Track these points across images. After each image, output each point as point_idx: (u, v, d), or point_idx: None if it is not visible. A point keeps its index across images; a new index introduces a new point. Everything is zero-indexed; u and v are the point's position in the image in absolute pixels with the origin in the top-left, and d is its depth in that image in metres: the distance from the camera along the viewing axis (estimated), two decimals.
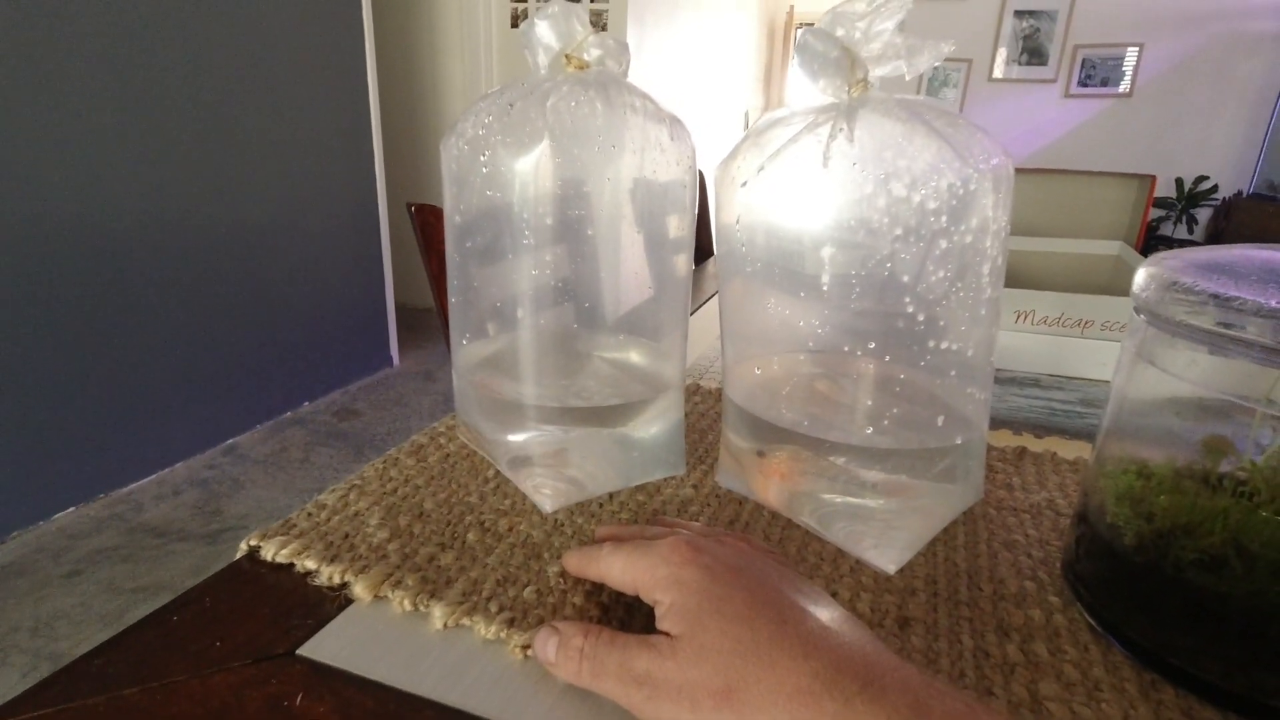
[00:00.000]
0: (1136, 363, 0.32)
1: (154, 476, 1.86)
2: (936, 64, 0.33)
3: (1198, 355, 0.29)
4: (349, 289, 2.43)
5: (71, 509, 1.70)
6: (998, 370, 0.67)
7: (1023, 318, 0.71)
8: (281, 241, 2.13)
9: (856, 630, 0.25)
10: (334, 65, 2.22)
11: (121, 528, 1.65)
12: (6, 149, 1.47)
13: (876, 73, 0.33)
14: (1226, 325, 0.27)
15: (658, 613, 0.26)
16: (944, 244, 0.30)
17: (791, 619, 0.24)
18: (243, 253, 2.01)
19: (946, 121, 0.31)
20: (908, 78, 0.33)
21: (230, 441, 2.06)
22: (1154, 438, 0.34)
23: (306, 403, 2.32)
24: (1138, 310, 0.32)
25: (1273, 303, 0.26)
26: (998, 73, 3.47)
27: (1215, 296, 0.28)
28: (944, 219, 0.30)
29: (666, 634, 0.25)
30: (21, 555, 1.54)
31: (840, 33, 0.33)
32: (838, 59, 0.32)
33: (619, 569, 0.29)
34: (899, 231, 0.30)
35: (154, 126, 1.74)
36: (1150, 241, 3.22)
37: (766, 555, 0.30)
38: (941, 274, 0.31)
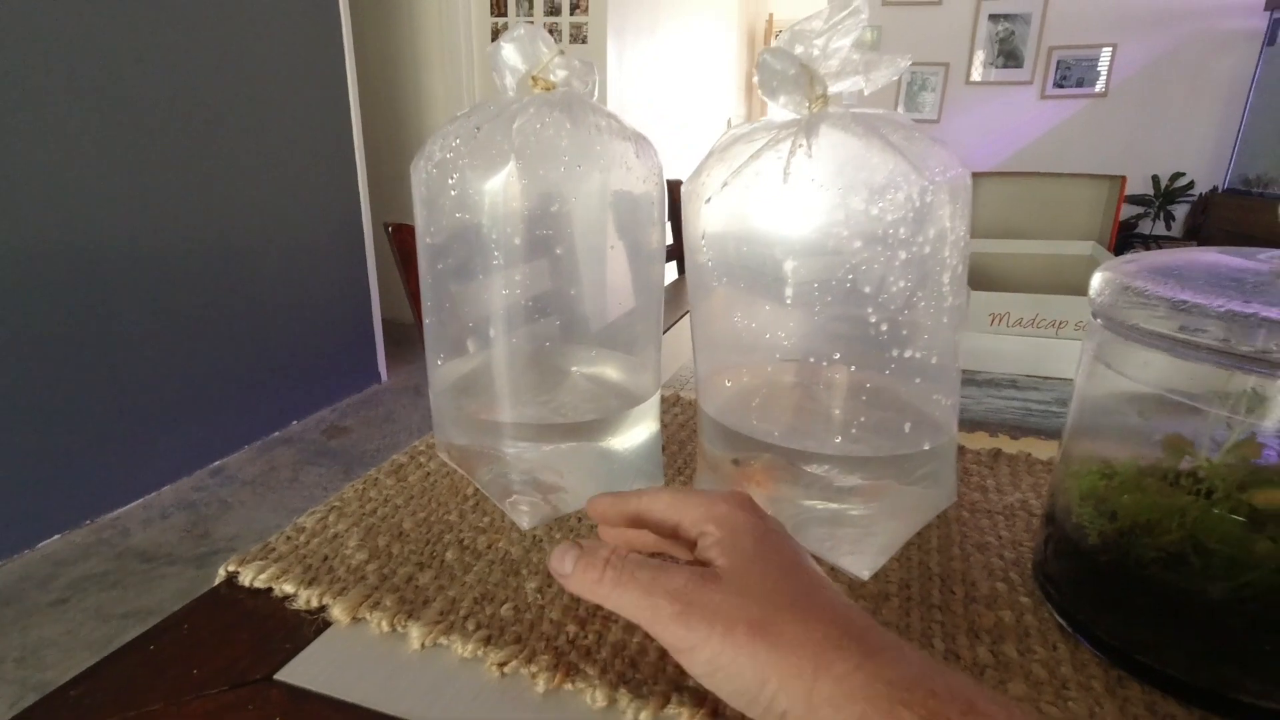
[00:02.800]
0: (1095, 365, 0.33)
1: (141, 500, 1.85)
2: (895, 77, 0.34)
3: (1152, 357, 0.30)
4: (335, 306, 2.43)
5: (57, 536, 1.68)
6: (975, 372, 0.68)
7: (998, 319, 0.72)
8: (266, 260, 2.13)
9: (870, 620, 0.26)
10: (315, 82, 2.23)
11: (109, 553, 1.63)
12: None
13: (835, 88, 0.34)
14: (1178, 328, 0.28)
15: (702, 544, 0.27)
16: (904, 255, 0.31)
17: (823, 586, 0.25)
18: (227, 272, 2.01)
19: (903, 135, 0.32)
20: (866, 92, 0.34)
21: (218, 463, 2.05)
22: (1116, 437, 0.35)
23: (295, 421, 2.31)
24: (1095, 314, 0.33)
25: (1219, 305, 0.27)
26: (975, 75, 3.51)
27: (1166, 300, 0.29)
28: (903, 230, 0.31)
29: (706, 564, 0.26)
30: (7, 584, 1.52)
31: (799, 50, 0.34)
32: (796, 76, 0.32)
33: (665, 502, 0.29)
34: (859, 244, 0.31)
35: (135, 147, 1.74)
36: (1129, 239, 3.27)
37: None
38: (902, 284, 0.32)
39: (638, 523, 0.30)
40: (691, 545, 0.28)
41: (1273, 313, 0.26)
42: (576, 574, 0.27)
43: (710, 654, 0.23)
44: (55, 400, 1.64)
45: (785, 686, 0.22)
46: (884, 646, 0.23)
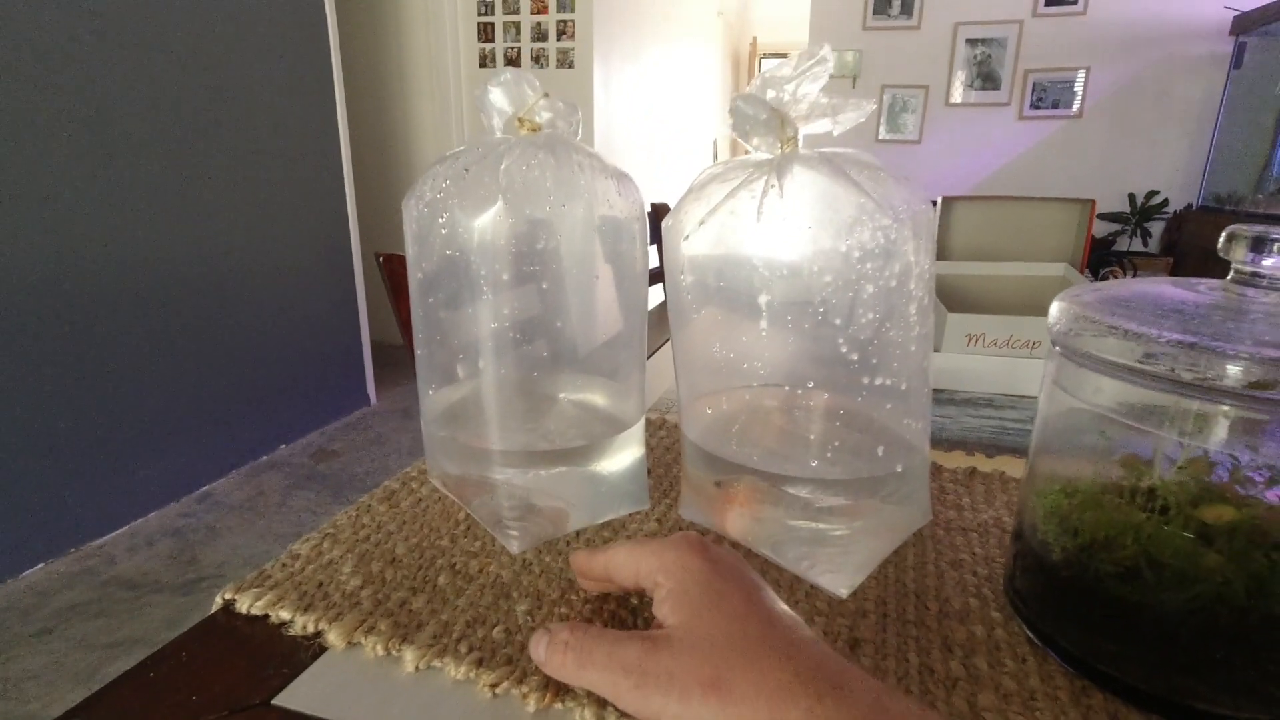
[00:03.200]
0: (1054, 389, 0.35)
1: (126, 528, 1.83)
2: (861, 119, 0.36)
3: (1104, 383, 0.32)
4: (324, 328, 2.43)
5: (40, 565, 1.66)
6: (952, 392, 0.70)
7: (973, 340, 0.74)
8: (254, 283, 2.13)
9: (826, 645, 0.27)
10: (304, 108, 2.25)
11: (93, 582, 1.62)
12: None
13: (805, 130, 0.36)
14: (1128, 357, 0.30)
15: (656, 597, 0.28)
16: (871, 288, 0.33)
17: (779, 623, 0.26)
18: (214, 295, 2.01)
19: (869, 175, 0.34)
20: (835, 134, 0.36)
21: (205, 488, 2.04)
22: (1077, 456, 0.36)
23: (283, 445, 2.31)
24: (1053, 342, 0.34)
25: (1165, 335, 0.29)
26: (955, 97, 3.60)
27: (1116, 329, 0.31)
28: (869, 265, 0.33)
29: (659, 627, 0.27)
30: None
31: (770, 95, 0.36)
32: (768, 120, 0.35)
33: (623, 556, 0.30)
34: (829, 278, 0.33)
35: (123, 170, 1.75)
36: (1106, 256, 3.33)
37: None
38: (871, 315, 0.33)
39: (608, 578, 0.32)
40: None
41: (1214, 343, 0.28)
42: (548, 661, 0.28)
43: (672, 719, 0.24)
44: (38, 425, 1.63)
45: None
46: (837, 685, 0.23)
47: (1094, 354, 0.31)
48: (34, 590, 1.58)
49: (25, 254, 1.57)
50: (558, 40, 2.98)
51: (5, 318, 1.55)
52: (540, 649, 0.29)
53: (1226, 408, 0.28)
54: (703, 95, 4.70)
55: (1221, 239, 0.32)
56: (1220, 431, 0.29)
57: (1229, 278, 0.32)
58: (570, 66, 3.01)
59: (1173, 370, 0.28)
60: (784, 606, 0.27)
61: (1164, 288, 0.33)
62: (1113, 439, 0.34)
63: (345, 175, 2.43)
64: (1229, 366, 0.27)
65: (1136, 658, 0.30)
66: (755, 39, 5.67)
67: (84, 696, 0.31)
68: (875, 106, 0.34)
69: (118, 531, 1.81)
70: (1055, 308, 0.34)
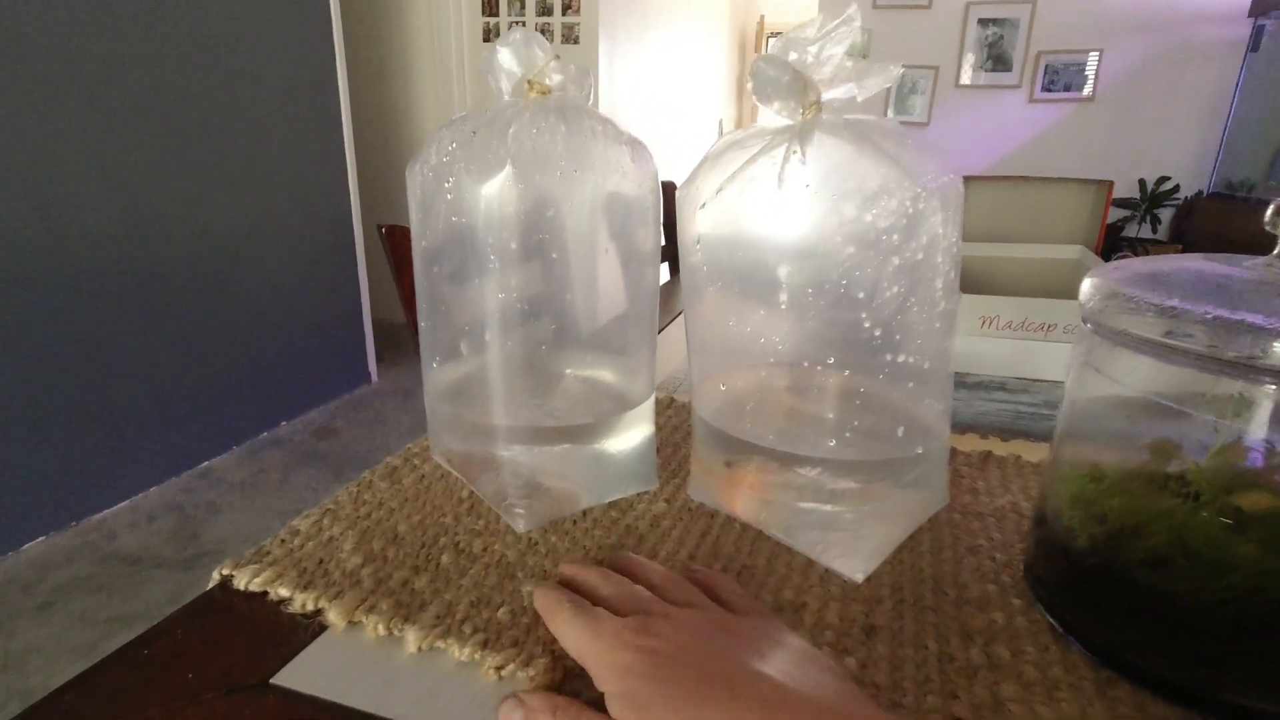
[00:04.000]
0: (1084, 369, 0.33)
1: (127, 503, 1.83)
2: (888, 85, 0.34)
3: (1139, 361, 0.30)
4: (325, 306, 2.41)
5: (42, 538, 1.66)
6: (964, 375, 0.69)
7: (987, 323, 0.73)
8: (255, 259, 2.11)
9: (834, 682, 0.25)
10: (305, 82, 2.22)
11: (94, 556, 1.62)
12: None
13: (828, 95, 0.34)
14: (1165, 333, 0.29)
15: (606, 700, 0.26)
16: (896, 260, 0.31)
17: (746, 691, 0.24)
18: (215, 272, 1.99)
19: (895, 142, 0.32)
20: (859, 99, 0.34)
21: (206, 464, 2.03)
22: (1105, 441, 0.35)
23: (284, 422, 2.30)
24: (1084, 319, 0.33)
25: (1206, 311, 0.27)
26: (965, 79, 3.54)
27: (1154, 306, 0.29)
28: (895, 237, 0.31)
29: None
30: None
31: (793, 57, 0.34)
32: (790, 83, 0.33)
33: (571, 642, 0.29)
34: (852, 249, 0.31)
35: (122, 145, 1.72)
36: (1115, 242, 3.30)
37: (731, 616, 0.30)
38: (895, 289, 0.32)
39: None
40: None
41: (1257, 319, 0.26)
42: None
43: None
44: (40, 401, 1.62)
45: None
46: None
47: (1129, 331, 0.30)
48: (35, 564, 1.58)
49: (26, 230, 1.55)
50: (563, 15, 2.93)
51: (9, 293, 1.53)
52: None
53: (1272, 388, 0.27)
54: (709, 74, 4.63)
55: (1269, 212, 0.30)
56: (1262, 414, 0.28)
57: (1275, 253, 0.30)
58: (575, 42, 2.96)
59: (1215, 348, 0.27)
60: (764, 660, 0.26)
61: (1204, 263, 0.32)
62: (1143, 423, 0.33)
63: (347, 150, 2.40)
64: (1276, 345, 0.26)
65: (1165, 648, 0.29)
66: (763, 17, 5.58)
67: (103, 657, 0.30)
68: (902, 71, 0.32)
69: (119, 506, 1.81)
70: (1088, 284, 0.32)
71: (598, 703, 0.26)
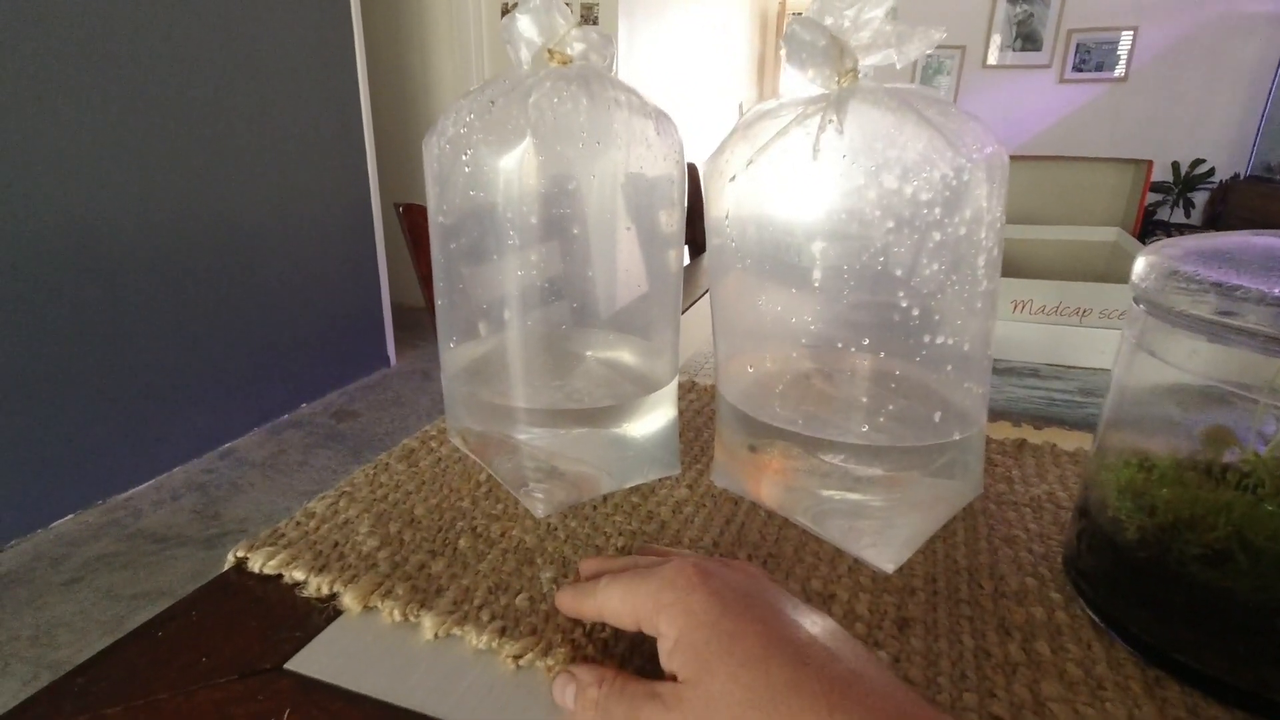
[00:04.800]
0: (1136, 353, 0.32)
1: (152, 482, 1.86)
2: (928, 51, 0.32)
3: (1199, 345, 0.28)
4: (344, 289, 2.42)
5: (70, 516, 1.69)
6: (996, 361, 0.66)
7: (1020, 307, 0.70)
8: (275, 243, 2.12)
9: (883, 674, 0.23)
10: (323, 63, 2.21)
11: (120, 534, 1.64)
12: None
13: (866, 62, 0.32)
14: (1228, 314, 0.27)
15: (662, 648, 0.24)
16: (937, 236, 0.30)
17: (813, 660, 0.21)
18: (236, 255, 2.00)
19: (938, 110, 0.31)
20: (899, 66, 0.33)
21: (228, 445, 2.05)
22: (1155, 429, 0.33)
23: (304, 404, 2.32)
24: (1137, 300, 0.31)
25: (1275, 290, 0.25)
26: (992, 59, 3.45)
27: (1217, 285, 0.27)
28: (937, 210, 0.29)
29: (673, 677, 0.23)
30: (20, 564, 1.53)
31: (829, 21, 0.32)
32: (826, 48, 0.31)
33: (618, 599, 0.26)
34: (891, 224, 0.30)
35: (144, 130, 1.73)
36: (1147, 226, 3.21)
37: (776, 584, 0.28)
38: (935, 267, 0.30)
39: (602, 621, 0.28)
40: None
41: None
42: (578, 714, 0.25)
43: None
44: (67, 382, 1.65)
45: None
46: None
47: (1189, 312, 0.28)
48: (64, 540, 1.61)
49: (52, 214, 1.56)
50: None
51: (36, 276, 1.55)
52: (568, 697, 0.26)
53: None
54: (729, 56, 4.56)
55: None
56: None
57: None
58: (594, 23, 2.92)
59: None
60: (822, 633, 0.23)
61: (1271, 239, 0.29)
62: (1196, 410, 0.31)
63: (365, 132, 2.40)
64: None
65: (1221, 648, 0.28)
66: None
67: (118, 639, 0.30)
68: (944, 34, 0.30)
69: (144, 485, 1.84)
70: (1142, 262, 0.30)
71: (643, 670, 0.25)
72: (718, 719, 0.21)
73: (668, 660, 0.23)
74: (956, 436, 0.34)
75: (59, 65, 1.55)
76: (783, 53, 0.32)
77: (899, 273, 0.30)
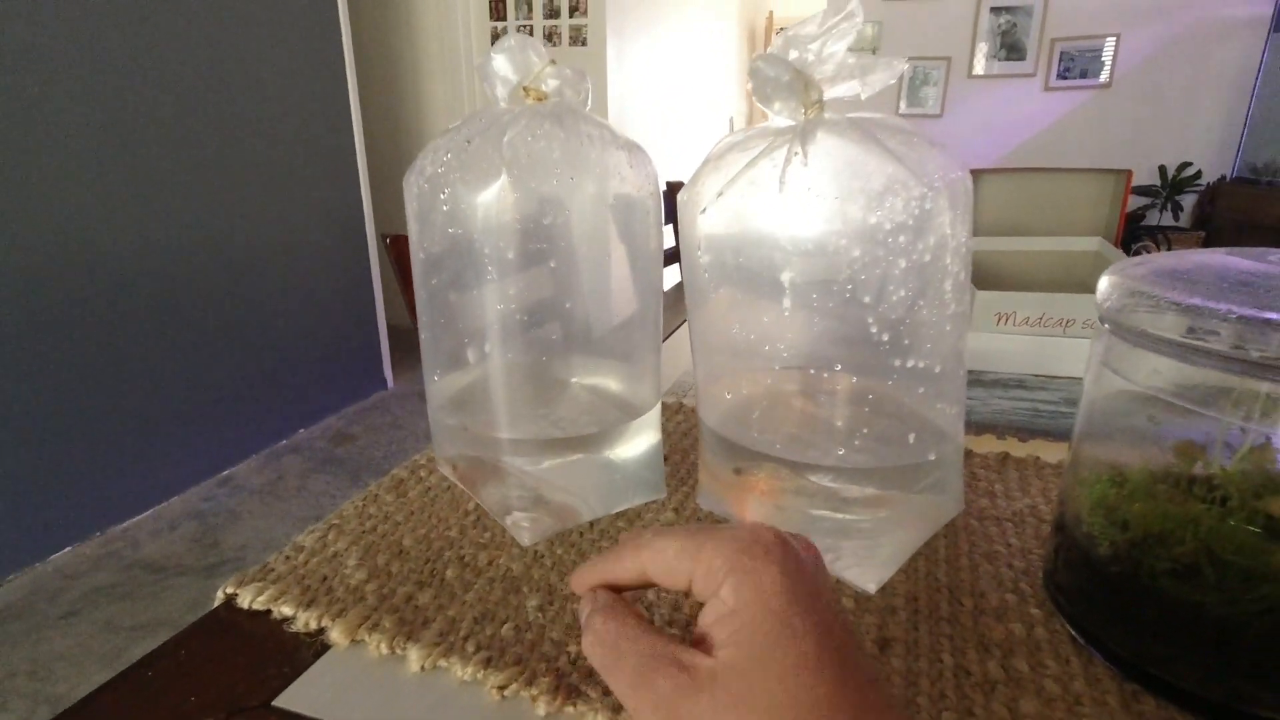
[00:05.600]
0: (1103, 370, 0.32)
1: (150, 511, 1.85)
2: (892, 81, 0.33)
3: (1161, 363, 0.29)
4: (340, 313, 2.43)
5: (68, 549, 1.69)
6: (981, 373, 0.67)
7: (1004, 319, 0.71)
8: (271, 269, 2.13)
9: (892, 695, 0.22)
10: (316, 91, 2.23)
11: (118, 565, 1.64)
12: None
13: (831, 93, 0.33)
14: (1189, 333, 0.27)
15: (710, 607, 0.21)
16: (903, 263, 0.30)
17: (852, 679, 0.20)
18: (231, 281, 2.01)
19: (900, 140, 0.31)
20: (863, 97, 0.33)
21: (226, 472, 2.05)
22: (1126, 442, 0.34)
23: (301, 430, 2.32)
24: (1102, 319, 0.32)
25: (1234, 311, 0.26)
26: (978, 69, 3.49)
27: (1176, 305, 0.28)
28: (901, 238, 0.30)
29: (706, 642, 0.21)
30: (17, 598, 1.52)
31: (793, 55, 0.33)
32: (790, 83, 0.32)
33: (674, 552, 0.22)
34: (857, 253, 0.30)
35: (139, 156, 1.74)
36: (1137, 231, 3.23)
37: None
38: (903, 292, 0.31)
39: (642, 579, 0.24)
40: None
41: None
42: (583, 637, 0.23)
43: None
44: (63, 412, 1.65)
45: None
46: None
47: (1149, 331, 0.28)
48: (62, 573, 1.61)
49: (46, 241, 1.57)
50: (570, 17, 2.93)
51: (31, 304, 1.56)
52: (582, 616, 0.24)
53: None
54: (718, 71, 4.61)
55: None
56: None
57: None
58: (583, 44, 2.96)
59: (1240, 348, 0.26)
60: (853, 640, 0.21)
61: (1226, 258, 0.30)
62: (1166, 424, 0.32)
63: (358, 158, 2.42)
64: None
65: (1194, 661, 0.28)
66: (771, 12, 5.55)
67: (108, 678, 0.30)
68: (907, 65, 0.31)
69: (142, 515, 1.83)
70: (1105, 282, 0.31)
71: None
72: (751, 715, 0.19)
73: (714, 626, 0.21)
74: (932, 456, 0.35)
75: (55, 99, 1.57)
76: (749, 88, 0.33)
77: (867, 299, 0.31)
